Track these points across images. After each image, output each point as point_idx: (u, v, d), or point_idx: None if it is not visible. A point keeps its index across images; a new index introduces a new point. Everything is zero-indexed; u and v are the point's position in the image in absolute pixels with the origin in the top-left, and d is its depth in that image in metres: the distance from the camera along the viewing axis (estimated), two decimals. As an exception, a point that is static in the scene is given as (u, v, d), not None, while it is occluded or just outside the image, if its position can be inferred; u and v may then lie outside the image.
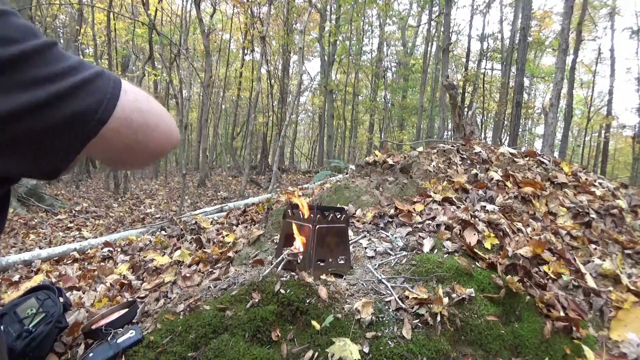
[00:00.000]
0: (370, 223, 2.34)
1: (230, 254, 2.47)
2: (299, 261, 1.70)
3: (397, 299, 1.54)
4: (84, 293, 2.20)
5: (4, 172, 0.47)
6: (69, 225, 5.71)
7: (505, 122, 16.49)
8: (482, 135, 18.13)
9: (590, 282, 1.94)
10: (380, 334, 1.38)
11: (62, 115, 0.45)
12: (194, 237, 3.23)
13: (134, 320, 1.48)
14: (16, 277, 2.68)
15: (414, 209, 2.42)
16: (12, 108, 0.42)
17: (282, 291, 1.48)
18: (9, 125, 0.42)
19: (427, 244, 1.99)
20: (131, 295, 2.10)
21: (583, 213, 2.61)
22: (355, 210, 2.55)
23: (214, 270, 2.25)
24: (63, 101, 0.45)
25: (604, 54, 18.88)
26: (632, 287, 1.96)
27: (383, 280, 1.69)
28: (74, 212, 6.87)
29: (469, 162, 3.12)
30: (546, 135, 8.18)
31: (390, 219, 2.36)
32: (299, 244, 1.77)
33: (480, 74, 18.82)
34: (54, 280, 2.49)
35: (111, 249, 3.30)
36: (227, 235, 2.96)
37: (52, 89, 0.45)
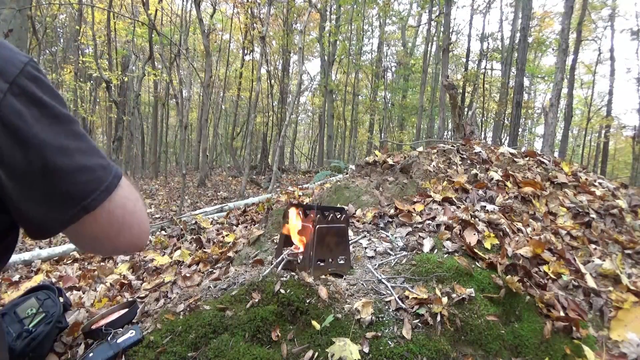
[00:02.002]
0: (370, 223, 2.34)
1: (230, 254, 2.47)
2: (299, 261, 1.70)
3: (397, 299, 1.54)
4: (84, 293, 2.20)
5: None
6: (69, 225, 5.69)
7: (505, 122, 16.49)
8: (482, 135, 18.15)
9: (590, 282, 1.94)
10: (380, 334, 1.38)
11: (58, 189, 0.51)
12: (194, 237, 3.23)
13: (134, 320, 1.48)
14: (16, 277, 2.68)
15: (414, 209, 2.42)
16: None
17: (282, 291, 1.48)
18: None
19: (427, 244, 1.99)
20: (131, 295, 2.10)
21: (583, 213, 2.61)
22: (355, 210, 2.55)
23: (214, 270, 2.25)
24: (57, 176, 0.50)
25: (604, 54, 18.89)
26: (632, 287, 1.96)
27: (383, 280, 1.69)
28: (74, 212, 6.85)
29: (469, 162, 3.12)
30: (546, 135, 8.19)
31: (390, 219, 2.36)
32: (299, 244, 1.77)
33: (480, 74, 18.83)
34: (54, 280, 2.49)
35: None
36: (227, 235, 2.96)
37: (55, 159, 0.49)
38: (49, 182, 0.50)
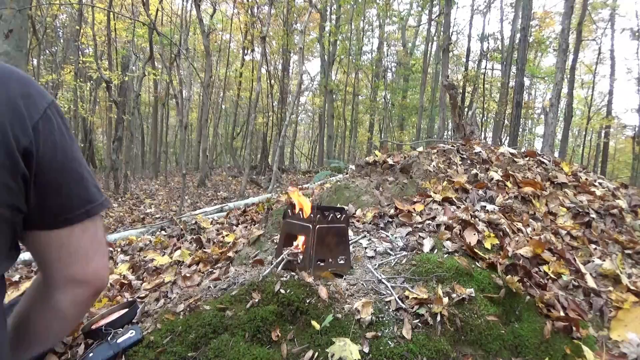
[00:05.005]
0: (370, 223, 2.34)
1: (230, 254, 2.47)
2: (299, 261, 1.70)
3: (397, 299, 1.54)
4: (84, 293, 2.19)
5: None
6: (69, 225, 5.69)
7: (505, 122, 16.49)
8: (482, 135, 18.13)
9: (590, 282, 1.94)
10: (380, 334, 1.38)
11: (73, 189, 0.69)
12: (194, 237, 3.23)
13: (134, 320, 1.48)
14: (16, 277, 2.68)
15: (414, 209, 2.42)
16: None
17: (282, 291, 1.48)
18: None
19: (427, 244, 1.98)
20: (131, 295, 2.10)
21: (583, 213, 2.61)
22: (355, 210, 2.55)
23: (214, 270, 2.25)
24: (73, 178, 0.69)
25: (604, 54, 18.88)
26: (632, 287, 1.96)
27: (383, 280, 1.69)
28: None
29: (469, 162, 3.12)
30: (546, 135, 8.19)
31: (390, 219, 2.36)
32: (299, 244, 1.77)
33: (480, 74, 18.82)
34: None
35: (111, 248, 3.30)
36: (227, 235, 2.96)
37: (74, 164, 0.69)
38: (66, 182, 0.66)
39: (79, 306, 0.73)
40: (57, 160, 0.65)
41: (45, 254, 0.68)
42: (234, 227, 3.41)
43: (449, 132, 15.76)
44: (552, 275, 1.92)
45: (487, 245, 1.98)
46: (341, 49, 17.90)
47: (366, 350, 1.32)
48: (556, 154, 12.22)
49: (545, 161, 3.34)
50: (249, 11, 15.28)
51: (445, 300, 1.50)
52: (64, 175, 0.66)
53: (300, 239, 1.76)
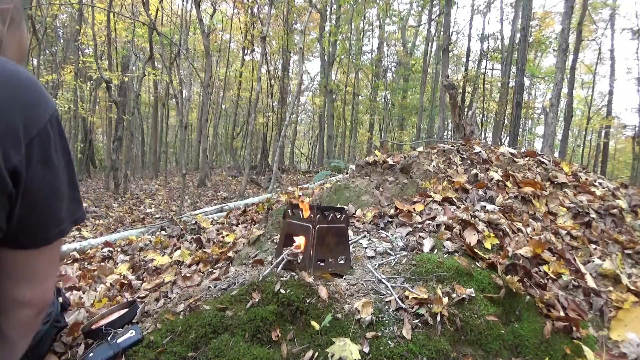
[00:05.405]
0: (370, 223, 2.34)
1: (230, 254, 2.47)
2: (299, 261, 1.70)
3: (397, 299, 1.54)
4: (84, 293, 2.19)
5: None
6: (69, 225, 5.68)
7: (505, 122, 16.49)
8: (482, 135, 18.15)
9: (590, 282, 1.94)
10: (380, 334, 1.38)
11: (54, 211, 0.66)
12: (194, 237, 3.23)
13: (134, 320, 1.48)
14: None
15: (414, 209, 2.42)
16: None
17: (282, 291, 1.48)
18: None
19: (427, 244, 1.98)
20: (131, 295, 2.10)
21: (583, 213, 2.61)
22: (355, 210, 2.55)
23: (214, 270, 2.25)
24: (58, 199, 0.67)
25: (604, 54, 18.88)
26: (632, 287, 1.96)
27: (383, 280, 1.69)
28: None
29: (469, 162, 3.12)
30: (546, 135, 8.19)
31: (390, 219, 2.36)
32: (300, 244, 1.77)
33: (480, 74, 18.82)
34: (54, 280, 2.48)
35: (111, 249, 3.30)
36: (227, 235, 2.96)
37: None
38: (50, 203, 0.63)
39: (24, 328, 0.67)
40: (46, 182, 0.61)
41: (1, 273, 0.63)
42: (234, 227, 3.41)
43: (449, 132, 15.77)
44: (552, 275, 1.92)
45: (487, 245, 1.98)
46: (341, 49, 17.90)
47: (366, 350, 1.32)
48: (556, 154, 12.22)
49: (545, 161, 3.34)
50: (249, 11, 15.28)
51: (445, 300, 1.50)
52: (49, 196, 0.62)
53: (301, 239, 1.76)
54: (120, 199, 9.27)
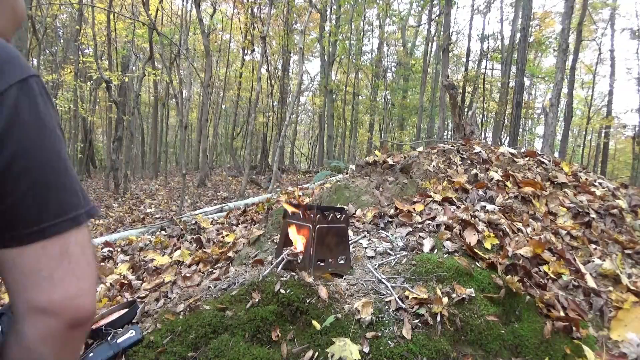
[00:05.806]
0: (370, 223, 2.34)
1: (230, 254, 2.47)
2: (299, 261, 1.70)
3: (397, 299, 1.54)
4: (84, 293, 2.19)
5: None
6: (69, 225, 5.69)
7: (505, 122, 16.48)
8: (482, 135, 18.14)
9: (590, 282, 1.94)
10: (380, 334, 1.38)
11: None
12: (194, 237, 3.23)
13: (134, 320, 1.48)
14: None
15: (414, 209, 2.42)
16: None
17: (282, 291, 1.48)
18: None
19: (427, 244, 1.98)
20: (131, 295, 2.10)
21: (583, 213, 2.61)
22: (355, 210, 2.55)
23: (214, 270, 2.25)
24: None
25: (604, 54, 18.88)
26: (632, 287, 1.96)
27: (383, 280, 1.69)
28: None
29: (469, 162, 3.12)
30: (546, 135, 8.19)
31: (390, 219, 2.36)
32: (299, 245, 1.77)
33: (480, 74, 18.81)
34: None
35: (111, 249, 3.30)
36: (227, 235, 2.96)
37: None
38: (40, 181, 0.52)
39: (52, 342, 0.54)
40: (29, 148, 0.49)
41: (5, 275, 0.53)
42: (234, 227, 3.41)
43: (449, 132, 15.76)
44: (552, 275, 1.92)
45: (487, 245, 1.98)
46: (341, 49, 17.89)
47: (366, 350, 1.32)
48: (556, 154, 12.22)
49: (545, 161, 3.34)
50: (249, 11, 15.28)
51: (445, 300, 1.50)
52: (36, 169, 0.50)
53: (301, 239, 1.76)
54: (120, 199, 9.28)
